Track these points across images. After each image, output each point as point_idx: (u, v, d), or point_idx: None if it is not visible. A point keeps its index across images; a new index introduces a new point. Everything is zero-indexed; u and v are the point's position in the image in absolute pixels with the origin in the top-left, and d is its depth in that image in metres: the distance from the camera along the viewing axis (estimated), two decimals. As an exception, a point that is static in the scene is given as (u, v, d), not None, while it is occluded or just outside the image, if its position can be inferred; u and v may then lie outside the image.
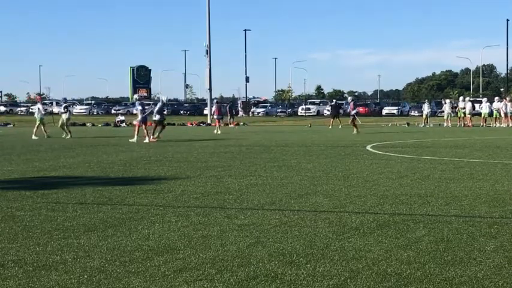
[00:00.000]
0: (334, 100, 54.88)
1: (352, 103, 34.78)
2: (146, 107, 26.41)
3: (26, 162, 15.94)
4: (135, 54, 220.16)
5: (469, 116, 43.72)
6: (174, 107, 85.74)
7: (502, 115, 42.84)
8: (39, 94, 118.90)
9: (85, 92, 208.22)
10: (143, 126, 25.41)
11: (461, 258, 5.81)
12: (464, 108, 44.60)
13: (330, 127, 40.87)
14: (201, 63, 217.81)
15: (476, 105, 48.10)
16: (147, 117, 25.94)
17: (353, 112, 33.66)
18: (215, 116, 36.94)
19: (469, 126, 42.63)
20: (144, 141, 24.26)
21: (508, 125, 41.86)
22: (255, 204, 8.92)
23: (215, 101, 41.17)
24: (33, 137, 28.77)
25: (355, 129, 31.83)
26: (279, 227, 7.28)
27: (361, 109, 75.87)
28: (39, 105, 31.04)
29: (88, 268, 5.58)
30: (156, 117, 26.55)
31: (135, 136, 25.08)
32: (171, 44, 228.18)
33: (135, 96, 26.34)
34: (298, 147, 20.97)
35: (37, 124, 29.82)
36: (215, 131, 34.36)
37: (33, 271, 5.50)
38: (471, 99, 49.66)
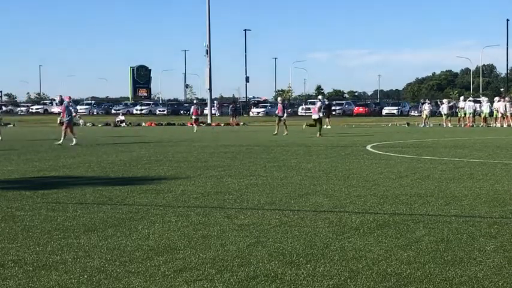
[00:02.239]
0: (325, 100, 56.01)
1: (280, 105, 33.41)
2: (72, 108, 24.71)
3: (26, 162, 15.95)
4: (135, 54, 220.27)
5: (469, 116, 43.78)
6: (174, 107, 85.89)
7: (499, 115, 42.94)
8: (38, 94, 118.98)
9: (85, 92, 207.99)
10: (68, 128, 23.88)
11: (461, 258, 5.81)
12: (463, 108, 44.66)
13: (326, 126, 41.64)
14: (201, 63, 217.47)
15: (476, 105, 48.10)
16: (71, 119, 24.37)
17: (281, 115, 32.47)
18: (193, 116, 40.53)
19: (468, 126, 42.67)
20: (71, 144, 22.86)
21: (508, 125, 41.89)
22: (255, 204, 8.92)
23: (194, 101, 44.41)
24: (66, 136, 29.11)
25: (284, 130, 31.30)
26: (279, 227, 7.28)
27: (360, 109, 76.41)
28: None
29: (88, 268, 5.57)
30: (316, 116, 29.83)
31: (62, 138, 23.65)
32: (171, 44, 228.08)
33: (58, 97, 25.83)
34: (298, 147, 20.97)
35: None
36: (194, 130, 37.69)
37: (33, 271, 5.49)
38: (471, 99, 49.66)
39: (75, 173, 13.48)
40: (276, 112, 33.99)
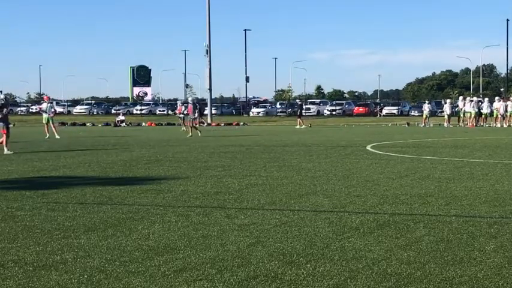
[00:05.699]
0: (297, 100, 58.41)
1: (190, 106, 32.60)
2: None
3: (26, 162, 15.94)
4: (135, 54, 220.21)
5: (469, 115, 43.77)
6: (174, 107, 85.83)
7: (500, 115, 42.96)
8: (38, 94, 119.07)
9: (85, 92, 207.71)
10: None
11: (461, 258, 5.81)
12: (464, 108, 44.66)
13: (298, 126, 43.07)
14: (201, 63, 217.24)
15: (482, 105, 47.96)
16: None
17: (193, 116, 31.88)
18: (179, 115, 41.43)
19: (469, 126, 42.66)
20: None
21: (509, 125, 41.87)
22: (255, 204, 8.92)
23: (190, 101, 46.61)
24: (56, 136, 29.31)
25: (190, 132, 30.69)
26: (279, 227, 7.28)
27: (361, 109, 76.39)
28: (45, 105, 31.91)
29: (88, 268, 5.58)
30: (476, 110, 37.10)
31: None
32: (171, 44, 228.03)
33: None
34: (298, 147, 20.97)
35: (52, 123, 30.64)
36: (182, 129, 38.23)
37: (33, 271, 5.49)
38: (471, 99, 49.62)
39: (75, 173, 13.48)
40: (185, 113, 33.74)
